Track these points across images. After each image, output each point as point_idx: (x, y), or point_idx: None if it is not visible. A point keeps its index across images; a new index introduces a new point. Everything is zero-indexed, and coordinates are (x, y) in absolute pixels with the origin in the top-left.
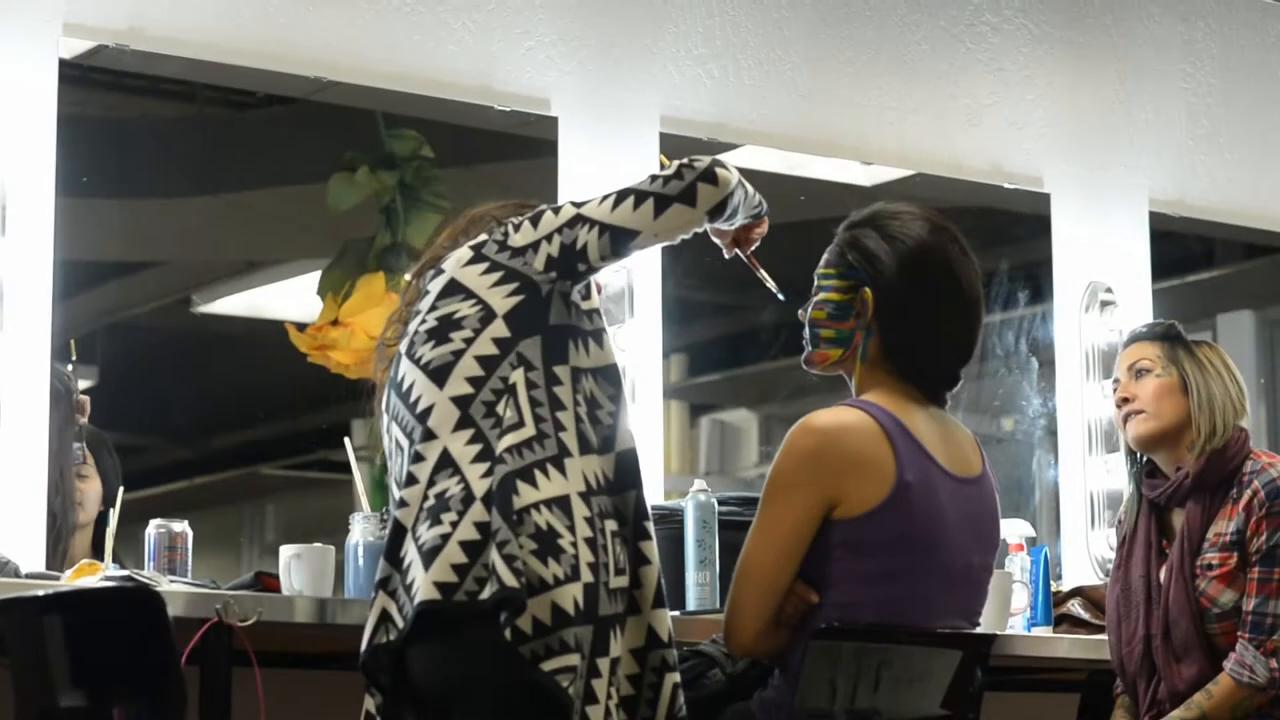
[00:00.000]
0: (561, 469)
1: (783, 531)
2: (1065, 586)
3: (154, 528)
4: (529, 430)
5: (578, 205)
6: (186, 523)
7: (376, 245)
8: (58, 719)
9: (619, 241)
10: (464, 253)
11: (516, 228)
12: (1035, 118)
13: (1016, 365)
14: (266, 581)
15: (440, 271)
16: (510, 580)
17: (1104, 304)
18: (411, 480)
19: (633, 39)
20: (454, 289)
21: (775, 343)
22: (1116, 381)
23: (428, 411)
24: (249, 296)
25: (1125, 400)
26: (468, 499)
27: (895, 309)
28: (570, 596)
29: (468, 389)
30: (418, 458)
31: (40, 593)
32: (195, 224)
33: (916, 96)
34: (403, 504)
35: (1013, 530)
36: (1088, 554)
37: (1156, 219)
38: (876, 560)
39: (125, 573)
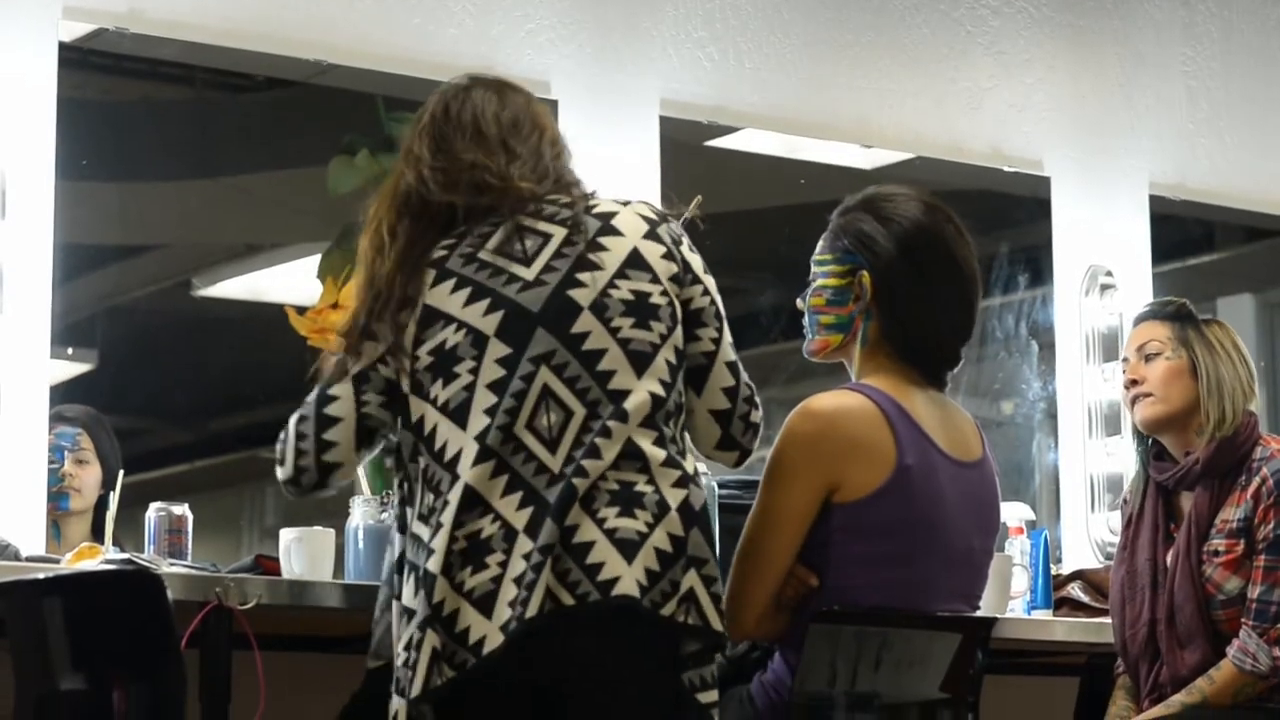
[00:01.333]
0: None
1: (782, 515)
2: (1065, 570)
3: (154, 511)
4: (693, 460)
5: (723, 318)
6: (187, 506)
7: None
8: (58, 702)
9: (674, 392)
10: (638, 222)
11: (692, 248)
12: (1035, 101)
13: (1016, 349)
14: (267, 565)
15: (609, 227)
16: (718, 625)
17: (1104, 287)
18: (594, 452)
19: (633, 22)
20: (639, 263)
21: (775, 326)
22: (1125, 361)
23: (624, 394)
24: (249, 280)
25: (1134, 382)
26: (662, 505)
27: (894, 291)
28: None
29: (660, 390)
30: (604, 432)
31: (40, 576)
32: (195, 207)
33: (917, 80)
34: (583, 473)
35: (1013, 513)
36: (1088, 537)
37: (1157, 202)
38: (876, 544)
39: (125, 556)
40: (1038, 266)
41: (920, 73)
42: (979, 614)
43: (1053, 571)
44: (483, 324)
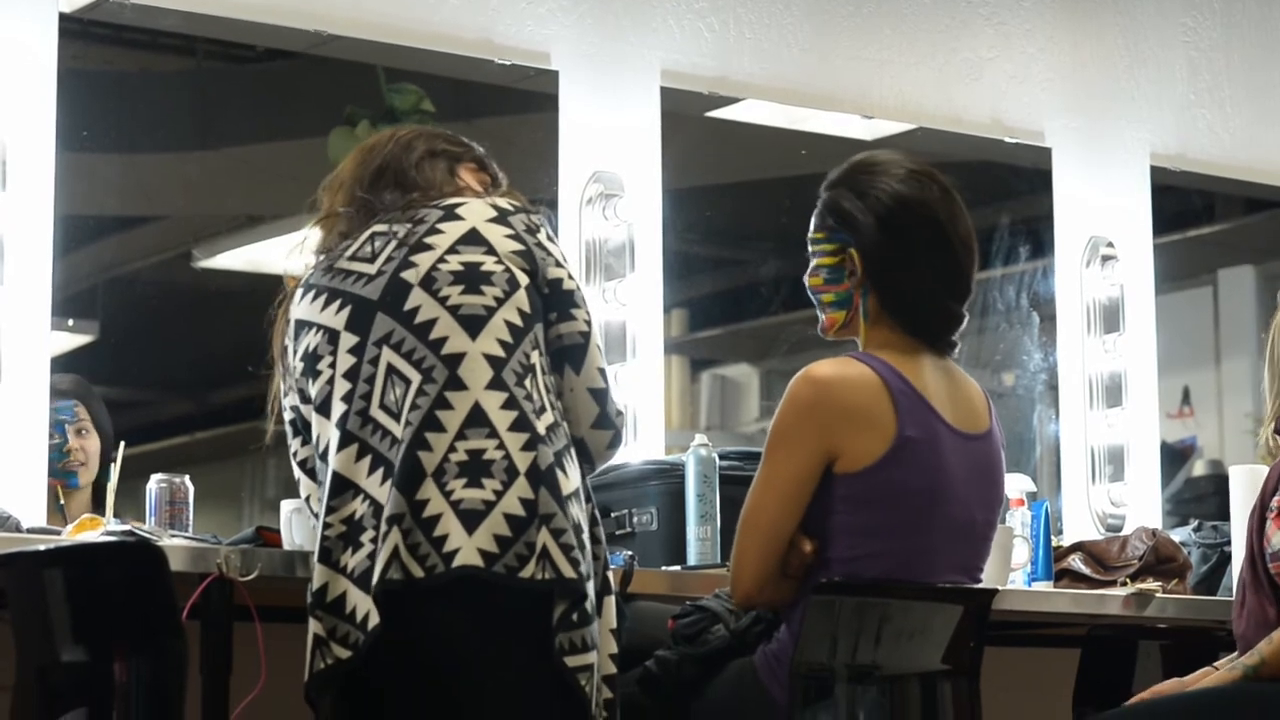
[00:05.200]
0: (574, 461)
1: (784, 481)
2: (1066, 541)
3: (155, 483)
4: (552, 416)
5: (587, 319)
6: (187, 477)
7: None
8: (59, 673)
9: (518, 352)
10: (484, 209)
11: (551, 238)
12: (1036, 72)
13: (1017, 320)
14: (267, 536)
15: (452, 215)
16: (569, 572)
17: (1105, 259)
18: (435, 425)
19: None
20: (476, 239)
21: (776, 297)
22: None
23: (457, 358)
24: (249, 251)
25: None
26: (511, 470)
27: (882, 265)
28: (592, 593)
29: (500, 351)
30: (444, 403)
31: (41, 547)
32: (196, 178)
33: (918, 50)
34: (424, 445)
35: (1013, 485)
36: (1088, 509)
37: (1157, 173)
38: (877, 515)
39: (126, 528)
40: (1038, 238)
41: (921, 43)
42: (980, 586)
43: (1053, 543)
44: (334, 321)
